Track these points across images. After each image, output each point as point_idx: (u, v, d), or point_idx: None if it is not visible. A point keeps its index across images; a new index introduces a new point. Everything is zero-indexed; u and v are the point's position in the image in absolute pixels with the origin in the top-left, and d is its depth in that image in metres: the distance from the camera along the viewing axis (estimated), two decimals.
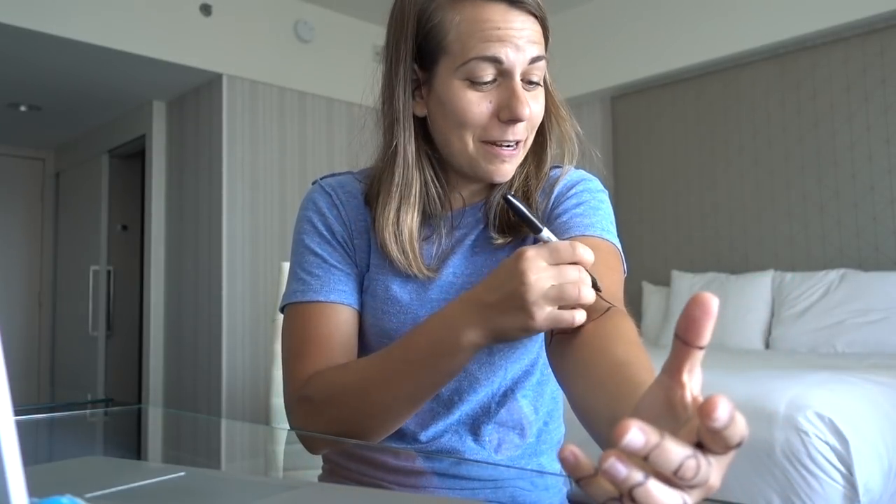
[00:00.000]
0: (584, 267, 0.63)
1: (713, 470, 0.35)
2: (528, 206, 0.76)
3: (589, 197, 0.86)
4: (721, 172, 3.77)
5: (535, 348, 0.87)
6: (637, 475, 0.32)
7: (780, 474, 1.72)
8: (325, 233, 0.88)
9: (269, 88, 4.02)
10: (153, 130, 4.31)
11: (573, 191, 0.87)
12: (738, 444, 0.34)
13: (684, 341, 0.38)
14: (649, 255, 4.04)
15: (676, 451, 0.33)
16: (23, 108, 4.52)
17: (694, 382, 0.40)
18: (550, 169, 0.90)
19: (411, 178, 0.83)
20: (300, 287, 0.86)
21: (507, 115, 0.77)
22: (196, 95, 4.07)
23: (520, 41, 0.77)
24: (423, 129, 0.85)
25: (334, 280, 0.85)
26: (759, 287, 3.37)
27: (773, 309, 3.32)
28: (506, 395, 0.85)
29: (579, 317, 0.64)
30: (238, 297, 3.82)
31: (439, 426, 0.85)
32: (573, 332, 0.67)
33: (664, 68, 3.88)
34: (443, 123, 0.81)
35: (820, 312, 3.09)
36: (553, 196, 0.87)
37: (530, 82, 0.80)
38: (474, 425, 0.85)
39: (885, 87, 3.23)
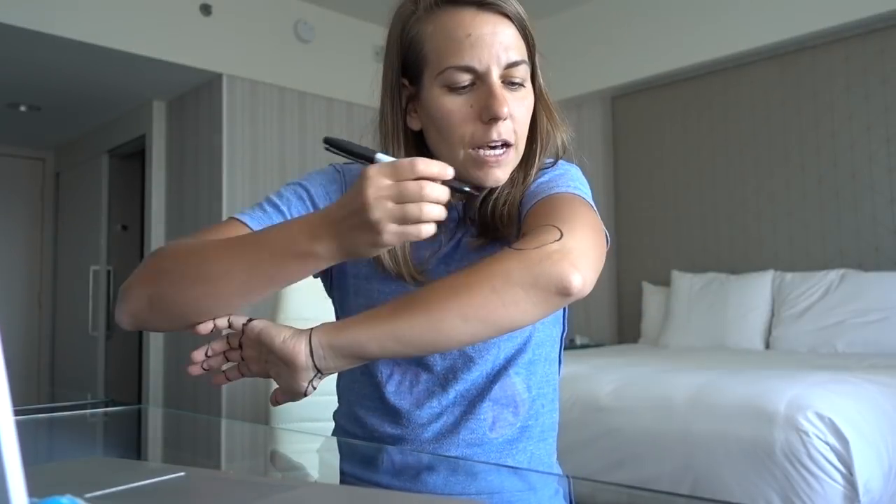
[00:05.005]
0: (430, 179, 0.64)
1: None
2: (351, 142, 0.76)
3: (561, 171, 0.88)
4: (721, 172, 3.77)
5: (528, 327, 0.87)
6: None
7: (780, 474, 1.72)
8: (302, 193, 0.89)
9: (269, 88, 4.02)
10: (153, 130, 4.31)
11: (546, 172, 0.88)
12: None
13: None
14: (649, 255, 4.04)
15: None
16: (23, 108, 4.52)
17: None
18: (540, 171, 0.89)
19: None
20: (245, 210, 0.86)
21: (487, 114, 0.78)
22: (196, 95, 4.07)
23: (492, 46, 0.78)
24: (417, 142, 0.86)
25: (275, 221, 0.84)
26: (759, 287, 3.37)
27: (773, 309, 3.32)
28: (499, 373, 0.86)
29: (425, 230, 0.65)
30: None
31: (434, 406, 0.86)
32: None
33: (664, 68, 3.88)
34: (434, 134, 0.83)
35: (820, 312, 3.09)
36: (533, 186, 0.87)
37: (511, 83, 0.80)
38: (470, 404, 0.86)
39: (885, 87, 3.23)
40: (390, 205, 0.63)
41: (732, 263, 3.67)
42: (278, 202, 0.86)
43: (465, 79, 0.78)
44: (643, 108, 4.12)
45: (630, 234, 4.14)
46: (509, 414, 0.86)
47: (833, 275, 3.17)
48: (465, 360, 0.86)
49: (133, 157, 4.83)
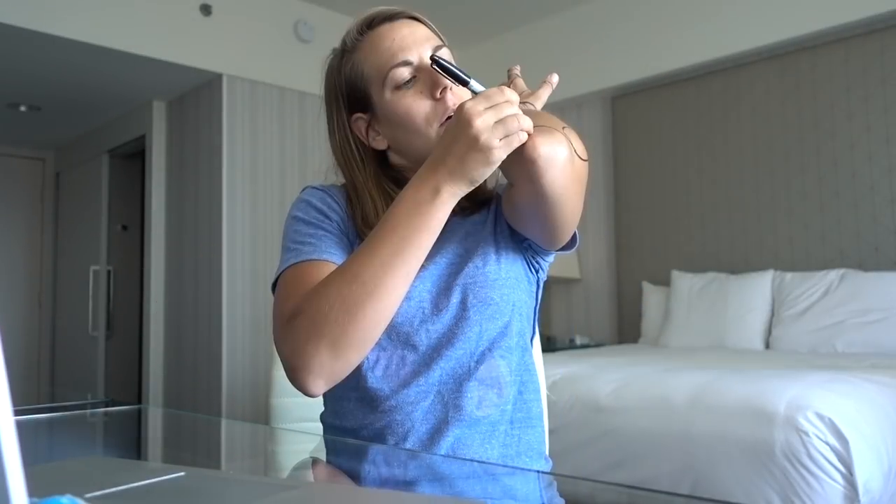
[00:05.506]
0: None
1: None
2: (456, 67, 0.85)
3: None
4: (721, 172, 3.77)
5: (508, 310, 0.93)
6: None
7: (780, 474, 1.72)
8: (319, 206, 0.95)
9: (269, 88, 4.02)
10: (153, 130, 4.31)
11: None
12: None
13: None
14: (649, 255, 4.04)
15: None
16: (23, 108, 4.52)
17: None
18: None
19: (380, 209, 0.92)
20: (291, 256, 0.89)
21: (436, 89, 0.89)
22: (196, 95, 4.07)
23: (415, 41, 0.91)
24: (381, 161, 0.97)
25: (325, 244, 0.90)
26: (759, 287, 3.37)
27: (773, 309, 3.32)
28: (484, 355, 0.91)
29: (523, 135, 0.75)
30: (238, 297, 3.82)
31: (421, 383, 0.89)
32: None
33: (664, 68, 3.88)
34: (402, 134, 0.92)
35: (820, 312, 3.09)
36: None
37: None
38: (456, 382, 0.90)
39: (885, 87, 3.23)
40: (492, 123, 0.73)
41: (732, 263, 3.68)
42: (312, 222, 0.92)
43: (407, 72, 0.89)
44: (643, 108, 4.12)
45: (630, 234, 4.14)
46: (494, 395, 0.91)
47: (833, 275, 3.17)
48: (449, 336, 0.90)
49: (133, 157, 4.83)
